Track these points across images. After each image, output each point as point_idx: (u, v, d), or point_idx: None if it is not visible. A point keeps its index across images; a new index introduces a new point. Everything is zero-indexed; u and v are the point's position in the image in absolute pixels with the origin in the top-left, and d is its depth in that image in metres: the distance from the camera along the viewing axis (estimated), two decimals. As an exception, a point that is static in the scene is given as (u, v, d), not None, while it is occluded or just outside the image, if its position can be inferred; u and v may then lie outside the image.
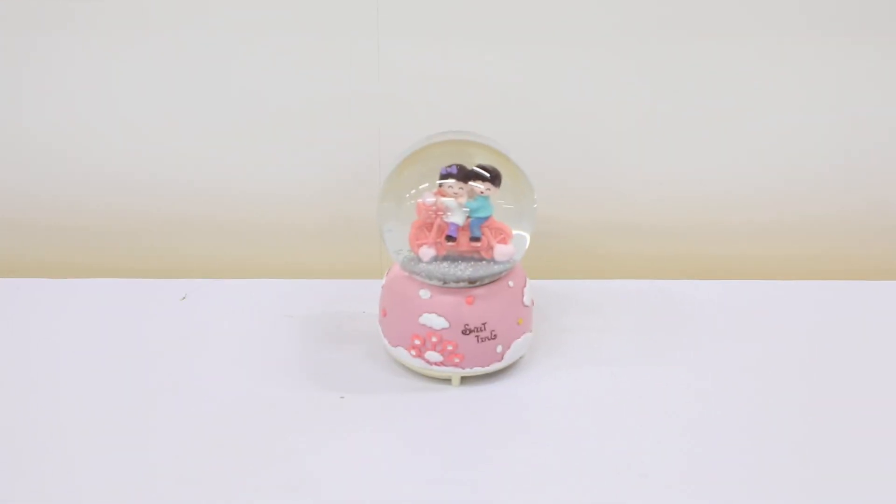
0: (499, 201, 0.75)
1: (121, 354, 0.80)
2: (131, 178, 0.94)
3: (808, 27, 0.89)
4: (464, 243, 0.75)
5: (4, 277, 0.92)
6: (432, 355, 0.75)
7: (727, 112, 0.92)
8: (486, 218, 0.75)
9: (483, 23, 0.89)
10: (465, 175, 0.74)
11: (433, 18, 0.88)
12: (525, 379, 0.78)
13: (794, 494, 0.66)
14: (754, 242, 0.97)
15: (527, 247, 0.77)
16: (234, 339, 0.83)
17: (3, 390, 0.76)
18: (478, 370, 0.76)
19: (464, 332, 0.74)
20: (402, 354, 0.77)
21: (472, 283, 0.75)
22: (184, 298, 0.88)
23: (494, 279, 0.76)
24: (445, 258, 0.75)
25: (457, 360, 0.75)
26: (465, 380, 0.77)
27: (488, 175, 0.74)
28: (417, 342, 0.75)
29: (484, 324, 0.75)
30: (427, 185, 0.75)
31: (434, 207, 0.74)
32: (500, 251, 0.75)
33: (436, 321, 0.74)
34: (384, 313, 0.78)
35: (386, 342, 0.78)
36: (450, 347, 0.75)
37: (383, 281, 0.79)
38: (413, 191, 0.76)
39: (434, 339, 0.75)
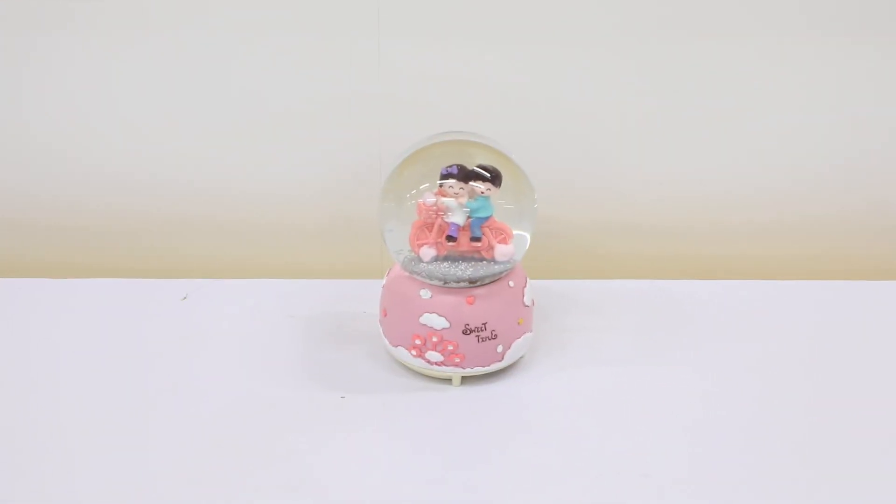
0: (499, 201, 0.75)
1: (121, 354, 0.80)
2: (131, 178, 0.94)
3: (808, 27, 0.89)
4: (464, 243, 0.75)
5: (4, 277, 0.92)
6: (433, 355, 0.75)
7: (727, 112, 0.92)
8: (487, 218, 0.75)
9: (483, 23, 0.89)
10: (465, 175, 0.74)
11: (434, 18, 0.88)
12: (526, 379, 0.78)
13: (795, 494, 0.66)
14: (754, 242, 0.97)
15: (527, 247, 0.77)
16: (234, 339, 0.83)
17: (3, 390, 0.76)
18: (478, 370, 0.76)
19: (464, 332, 0.74)
20: (403, 354, 0.77)
21: (473, 283, 0.75)
22: (185, 298, 0.88)
23: (495, 279, 0.76)
24: (446, 258, 0.75)
25: (457, 360, 0.75)
26: (465, 380, 0.77)
27: (489, 175, 0.73)
28: (418, 342, 0.75)
29: (484, 324, 0.75)
30: (428, 185, 0.75)
31: (435, 207, 0.74)
32: (501, 251, 0.75)
33: (436, 321, 0.74)
34: (385, 313, 0.78)
35: (386, 342, 0.78)
36: (450, 347, 0.75)
37: (384, 281, 0.79)
38: (414, 191, 0.76)
39: (435, 339, 0.75)
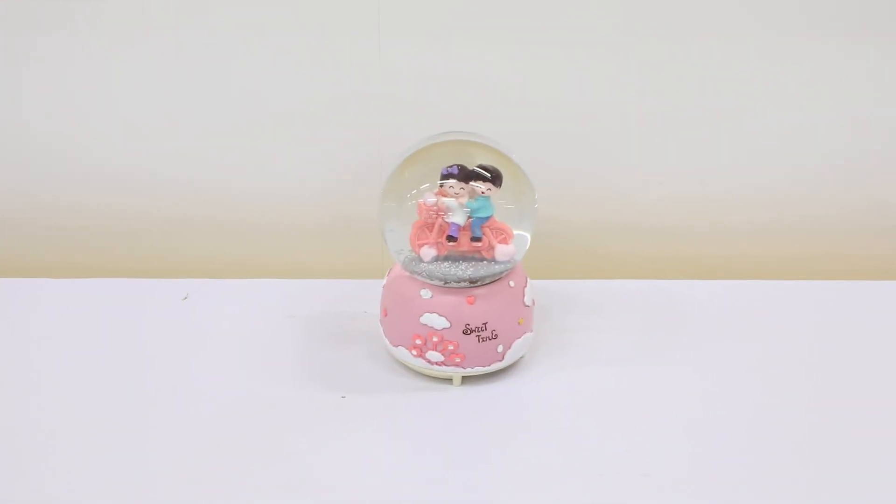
0: (500, 201, 0.75)
1: (121, 354, 0.80)
2: (131, 178, 0.94)
3: (808, 27, 0.89)
4: (465, 243, 0.75)
5: (4, 277, 0.92)
6: (433, 355, 0.75)
7: (727, 112, 0.92)
8: (488, 218, 0.75)
9: (483, 23, 0.89)
10: (466, 175, 0.74)
11: (434, 18, 0.88)
12: (526, 379, 0.78)
13: (795, 494, 0.66)
14: (754, 242, 0.97)
15: (527, 247, 0.77)
16: (234, 338, 0.83)
17: (3, 390, 0.76)
18: (479, 370, 0.76)
19: (465, 332, 0.74)
20: (404, 354, 0.77)
21: (473, 283, 0.75)
22: (185, 298, 0.88)
23: (495, 279, 0.76)
24: (446, 258, 0.75)
25: (458, 360, 0.75)
26: (466, 379, 0.77)
27: (489, 175, 0.73)
28: (418, 342, 0.75)
29: (485, 324, 0.75)
30: (428, 185, 0.75)
31: (435, 207, 0.74)
32: (501, 251, 0.75)
33: (437, 321, 0.74)
34: (385, 313, 0.78)
35: (387, 342, 0.78)
36: (451, 347, 0.75)
37: (384, 281, 0.79)
38: (414, 191, 0.76)
39: (435, 339, 0.75)
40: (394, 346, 0.77)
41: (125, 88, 0.91)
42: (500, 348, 0.76)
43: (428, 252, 0.75)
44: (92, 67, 0.90)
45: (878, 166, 0.94)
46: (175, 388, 0.76)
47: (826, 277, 0.94)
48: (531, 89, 0.91)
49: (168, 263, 0.97)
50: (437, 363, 0.76)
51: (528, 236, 0.77)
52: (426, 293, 0.75)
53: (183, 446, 0.70)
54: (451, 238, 0.74)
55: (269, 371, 0.78)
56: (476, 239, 0.75)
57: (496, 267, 0.75)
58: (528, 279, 0.79)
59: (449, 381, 0.77)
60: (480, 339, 0.75)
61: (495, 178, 0.74)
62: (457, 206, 0.74)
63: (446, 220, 0.74)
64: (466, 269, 0.75)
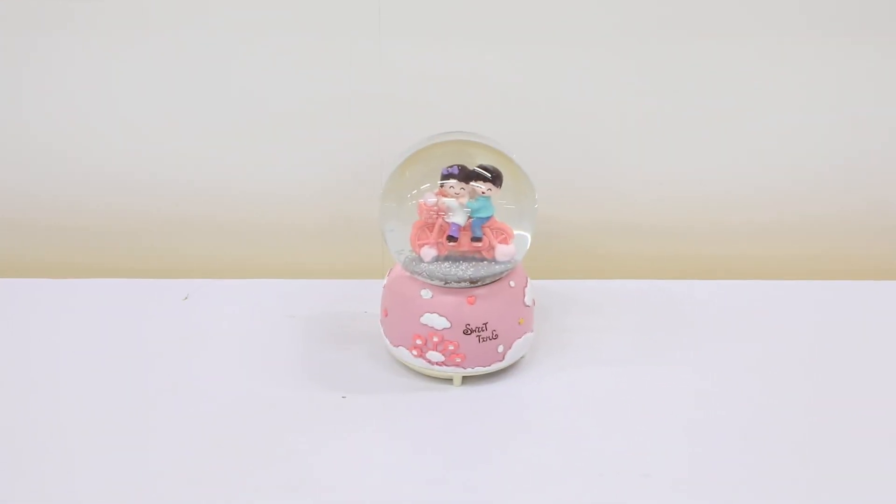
0: (500, 201, 0.75)
1: (121, 354, 0.80)
2: (131, 178, 0.94)
3: (808, 27, 0.89)
4: (465, 243, 0.75)
5: (4, 277, 0.92)
6: (434, 355, 0.75)
7: (727, 112, 0.92)
8: (488, 218, 0.75)
9: (483, 23, 0.89)
10: (466, 175, 0.74)
11: (434, 18, 0.88)
12: (526, 379, 0.78)
13: (795, 494, 0.66)
14: (754, 242, 0.97)
15: (528, 247, 0.77)
16: (234, 339, 0.83)
17: (3, 390, 0.76)
18: (479, 370, 0.76)
19: (465, 332, 0.74)
20: (404, 354, 0.77)
21: (474, 283, 0.75)
22: (186, 298, 0.88)
23: (496, 279, 0.76)
24: (447, 258, 0.75)
25: (458, 360, 0.75)
26: (466, 380, 0.77)
27: (489, 175, 0.73)
28: (419, 342, 0.75)
29: (485, 324, 0.75)
30: (428, 185, 0.75)
31: (435, 208, 0.74)
32: (502, 251, 0.75)
33: (437, 321, 0.74)
34: (385, 313, 0.78)
35: (387, 342, 0.78)
36: (451, 347, 0.75)
37: (385, 281, 0.79)
38: (415, 191, 0.76)
39: (435, 339, 0.75)
40: (394, 346, 0.77)
41: (125, 88, 0.91)
42: (500, 348, 0.76)
43: (428, 252, 0.75)
44: (92, 67, 0.90)
45: (878, 166, 0.94)
46: (175, 388, 0.76)
47: (826, 277, 0.94)
48: (531, 89, 0.91)
49: (168, 263, 0.97)
50: (437, 363, 0.76)
51: (529, 236, 0.77)
52: (427, 293, 0.75)
53: (183, 446, 0.70)
54: (451, 238, 0.74)
55: (269, 371, 0.78)
56: (476, 239, 0.75)
57: (496, 267, 0.75)
58: (529, 279, 0.79)
59: (449, 381, 0.77)
60: (481, 340, 0.75)
61: (496, 178, 0.74)
62: (457, 206, 0.74)
63: (447, 220, 0.74)
64: (467, 270, 0.75)
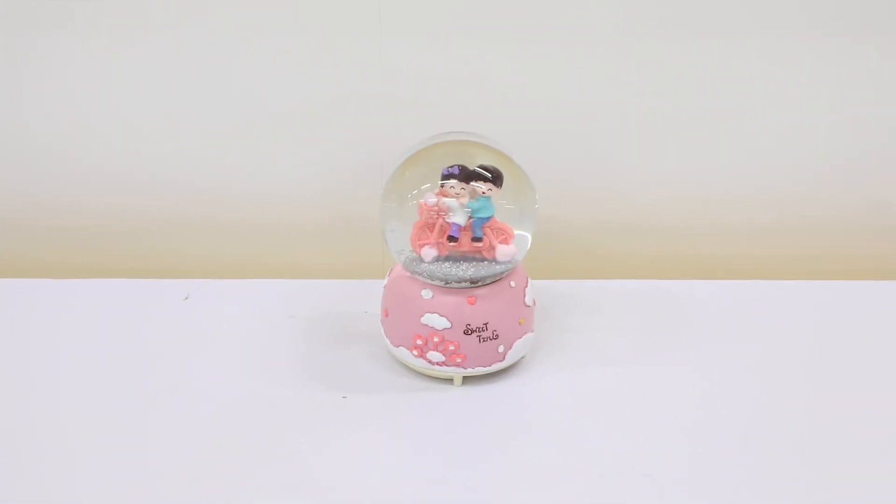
0: (500, 201, 0.75)
1: (121, 354, 0.80)
2: (131, 178, 0.94)
3: (808, 27, 0.89)
4: (465, 243, 0.75)
5: (4, 277, 0.92)
6: (434, 355, 0.75)
7: (727, 112, 0.92)
8: (488, 218, 0.75)
9: (483, 23, 0.89)
10: (466, 175, 0.74)
11: (434, 18, 0.88)
12: (527, 379, 0.78)
13: (795, 494, 0.66)
14: (754, 242, 0.97)
15: (528, 247, 0.77)
16: (234, 339, 0.83)
17: (3, 390, 0.76)
18: (480, 370, 0.76)
19: (466, 333, 0.74)
20: (404, 354, 0.77)
21: (474, 283, 0.75)
22: (187, 298, 0.88)
23: (496, 279, 0.76)
24: (447, 258, 0.75)
25: (459, 360, 0.75)
26: (466, 380, 0.77)
27: (490, 175, 0.73)
28: (419, 342, 0.75)
29: (486, 324, 0.75)
30: (429, 185, 0.75)
31: (436, 208, 0.74)
32: (502, 251, 0.75)
33: (438, 321, 0.74)
34: (386, 313, 0.78)
35: (388, 342, 0.78)
36: (452, 347, 0.75)
37: (385, 281, 0.79)
38: (415, 191, 0.76)
39: (436, 339, 0.75)
40: (395, 346, 0.77)
41: (125, 88, 0.91)
42: (500, 348, 0.76)
43: (429, 252, 0.75)
44: (92, 67, 0.90)
45: (878, 166, 0.94)
46: (175, 388, 0.76)
47: (826, 277, 0.94)
48: (531, 89, 0.91)
49: (168, 263, 0.97)
50: (437, 363, 0.76)
51: (529, 236, 0.77)
52: (427, 293, 0.75)
53: (183, 446, 0.70)
54: (451, 238, 0.74)
55: (269, 371, 0.78)
56: (477, 239, 0.75)
57: (497, 267, 0.75)
58: (529, 279, 0.79)
59: (450, 381, 0.77)
60: (481, 340, 0.75)
61: (496, 178, 0.74)
62: (458, 206, 0.74)
63: (447, 220, 0.74)
64: (467, 270, 0.75)
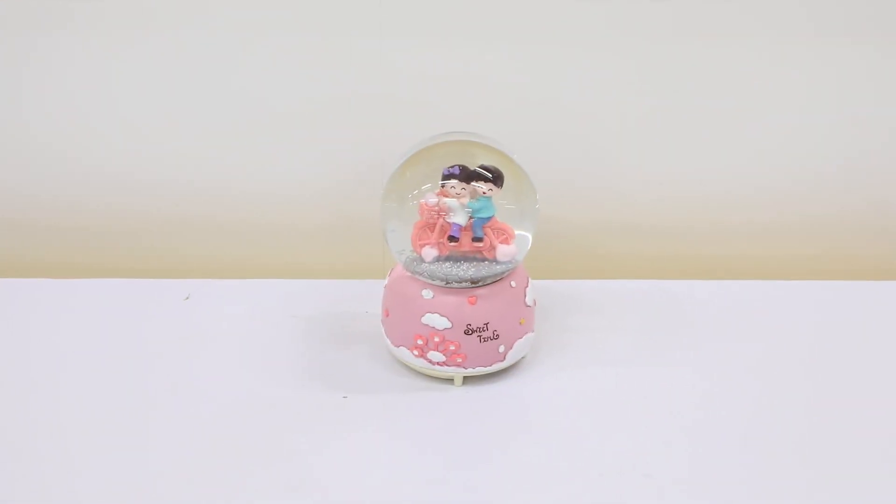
0: (501, 202, 0.75)
1: (121, 354, 0.80)
2: (131, 178, 0.94)
3: (808, 27, 0.89)
4: (466, 244, 0.75)
5: (4, 277, 0.92)
6: (435, 355, 0.75)
7: (727, 112, 0.92)
8: (489, 218, 0.75)
9: (483, 23, 0.89)
10: (467, 175, 0.74)
11: (435, 18, 0.88)
12: (527, 379, 0.78)
13: (795, 494, 0.66)
14: (754, 242, 0.97)
15: (529, 247, 0.77)
16: (234, 339, 0.83)
17: (3, 390, 0.76)
18: (480, 370, 0.76)
19: (466, 333, 0.74)
20: (405, 354, 0.77)
21: (475, 283, 0.75)
22: (187, 298, 0.88)
23: (497, 279, 0.76)
24: (448, 258, 0.75)
25: (459, 360, 0.75)
26: (467, 380, 0.77)
27: (491, 175, 0.73)
28: (420, 342, 0.75)
29: (486, 324, 0.75)
30: (430, 185, 0.75)
31: (437, 208, 0.74)
32: (503, 251, 0.75)
33: (438, 321, 0.74)
34: (387, 313, 0.78)
35: (388, 342, 0.78)
36: (452, 347, 0.75)
37: (386, 281, 0.79)
38: (415, 191, 0.76)
39: (436, 339, 0.75)
40: (395, 346, 0.77)
41: (125, 88, 0.91)
42: (501, 348, 0.76)
43: (429, 252, 0.75)
44: (92, 67, 0.90)
45: (878, 166, 0.94)
46: (175, 388, 0.76)
47: (826, 277, 0.94)
48: (532, 89, 0.91)
49: (168, 263, 0.97)
50: (438, 363, 0.76)
51: (530, 236, 0.77)
52: (428, 293, 0.75)
53: (183, 446, 0.70)
54: (452, 238, 0.74)
55: (269, 371, 0.78)
56: (477, 239, 0.75)
57: (497, 267, 0.75)
58: (530, 279, 0.79)
59: (450, 381, 0.77)
60: (482, 340, 0.75)
61: (497, 178, 0.74)
62: (458, 206, 0.74)
63: (448, 220, 0.74)
64: (468, 270, 0.75)
